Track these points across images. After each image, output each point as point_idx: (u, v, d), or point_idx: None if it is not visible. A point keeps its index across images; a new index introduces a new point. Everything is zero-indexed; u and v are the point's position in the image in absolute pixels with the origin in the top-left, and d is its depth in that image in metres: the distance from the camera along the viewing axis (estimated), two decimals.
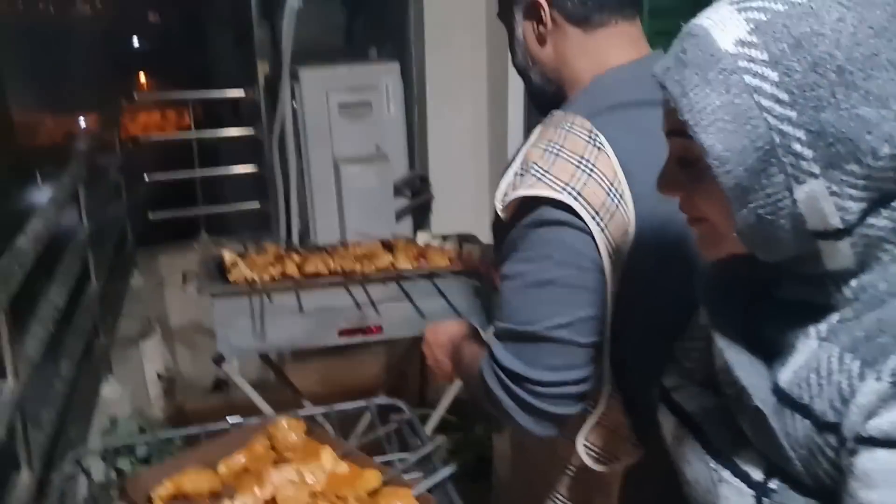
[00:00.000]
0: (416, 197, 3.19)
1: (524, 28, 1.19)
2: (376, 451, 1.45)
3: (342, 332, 2.17)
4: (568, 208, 1.02)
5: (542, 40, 1.17)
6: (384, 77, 3.10)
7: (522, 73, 1.23)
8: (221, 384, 4.16)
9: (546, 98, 1.21)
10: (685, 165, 0.73)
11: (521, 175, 1.07)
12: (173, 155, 4.93)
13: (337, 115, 3.01)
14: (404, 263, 2.20)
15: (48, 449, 1.67)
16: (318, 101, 3.01)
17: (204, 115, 4.41)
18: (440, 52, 3.07)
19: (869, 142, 0.63)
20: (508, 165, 1.12)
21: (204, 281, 2.07)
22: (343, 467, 1.35)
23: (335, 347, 3.67)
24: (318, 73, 3.02)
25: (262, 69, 3.88)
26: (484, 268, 2.24)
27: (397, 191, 3.13)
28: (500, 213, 1.08)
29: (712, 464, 0.77)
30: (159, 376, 3.05)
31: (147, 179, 4.05)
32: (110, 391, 2.55)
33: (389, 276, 2.16)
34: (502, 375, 1.06)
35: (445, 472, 1.31)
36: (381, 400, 1.69)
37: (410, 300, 2.16)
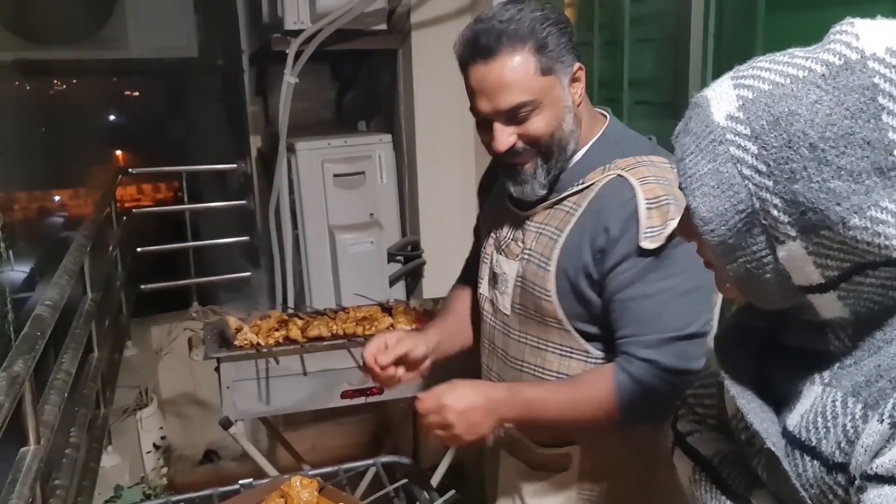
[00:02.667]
0: (409, 262, 3.28)
1: (570, 92, 1.33)
2: None
3: (344, 394, 2.22)
4: None
5: (577, 103, 1.35)
6: (377, 148, 3.22)
7: (563, 141, 1.32)
8: (211, 455, 4.14)
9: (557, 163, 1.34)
10: None
11: (654, 208, 1.23)
12: (161, 226, 5.01)
13: (332, 185, 3.12)
14: (404, 325, 2.27)
15: None
16: (313, 172, 3.12)
17: (189, 190, 4.49)
18: (430, 124, 3.21)
19: (838, 212, 0.68)
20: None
21: (211, 346, 2.13)
22: None
23: (327, 414, 3.70)
24: (313, 146, 3.14)
25: (255, 143, 4.02)
26: None
27: (390, 256, 3.22)
28: (655, 246, 1.23)
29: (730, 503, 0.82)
30: (156, 447, 3.05)
31: (140, 250, 4.12)
32: (110, 461, 2.56)
33: None
34: (670, 378, 1.22)
35: None
36: (388, 457, 1.74)
37: None
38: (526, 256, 1.38)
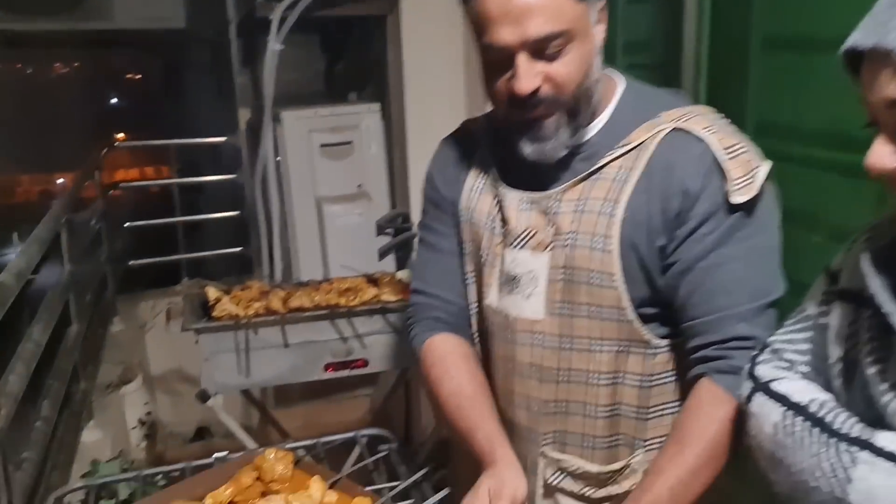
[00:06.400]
0: (399, 235, 3.20)
1: (597, 33, 1.14)
2: (365, 482, 1.43)
3: (328, 367, 2.16)
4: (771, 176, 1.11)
5: (601, 48, 1.17)
6: (365, 117, 3.15)
7: (589, 92, 1.14)
8: (203, 432, 4.09)
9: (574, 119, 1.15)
10: None
11: (733, 158, 1.09)
12: (156, 205, 4.95)
13: (319, 156, 3.05)
14: (389, 296, 2.21)
15: (30, 490, 1.63)
16: (300, 141, 3.05)
17: (184, 168, 4.43)
18: (419, 93, 3.12)
19: None
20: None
21: (188, 317, 2.06)
22: (332, 497, 1.33)
23: (320, 391, 3.66)
24: (299, 115, 3.06)
25: (244, 115, 3.94)
26: None
27: (380, 229, 3.14)
28: (746, 199, 1.07)
29: (844, 447, 0.78)
30: (141, 422, 3.00)
31: (127, 226, 4.05)
32: (91, 436, 2.51)
33: (374, 309, 2.17)
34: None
35: (438, 496, 1.29)
36: (369, 431, 1.68)
37: (396, 332, 2.17)
38: (567, 242, 1.16)
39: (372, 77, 3.55)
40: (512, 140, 1.17)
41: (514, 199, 1.22)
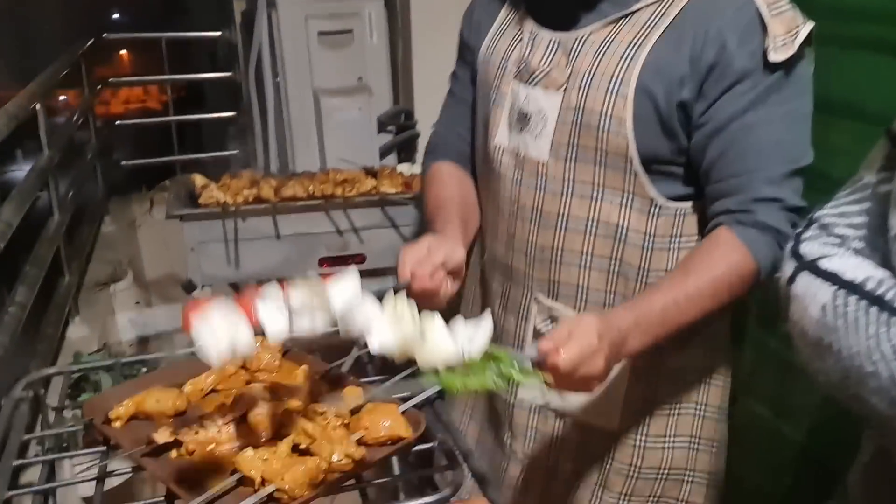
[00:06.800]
0: (401, 132, 3.04)
1: None
2: (359, 375, 1.35)
3: (323, 262, 2.04)
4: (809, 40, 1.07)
5: None
6: (367, 4, 2.93)
7: None
8: None
9: None
10: None
11: (776, 15, 1.05)
12: (153, 116, 4.79)
13: (316, 45, 2.84)
14: (389, 188, 2.07)
15: (4, 380, 1.54)
16: (296, 29, 2.84)
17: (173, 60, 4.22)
18: None
19: None
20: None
21: (172, 203, 1.93)
22: (321, 387, 1.25)
23: None
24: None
25: (239, 7, 3.72)
26: None
27: (381, 126, 2.98)
28: (785, 57, 1.04)
29: None
30: (132, 323, 2.91)
31: (118, 123, 3.90)
32: (77, 332, 2.43)
33: (373, 201, 2.03)
34: (794, 218, 1.06)
35: (433, 389, 1.20)
36: None
37: (395, 227, 2.04)
38: (583, 83, 1.13)
39: None
40: None
41: (543, 37, 1.20)
